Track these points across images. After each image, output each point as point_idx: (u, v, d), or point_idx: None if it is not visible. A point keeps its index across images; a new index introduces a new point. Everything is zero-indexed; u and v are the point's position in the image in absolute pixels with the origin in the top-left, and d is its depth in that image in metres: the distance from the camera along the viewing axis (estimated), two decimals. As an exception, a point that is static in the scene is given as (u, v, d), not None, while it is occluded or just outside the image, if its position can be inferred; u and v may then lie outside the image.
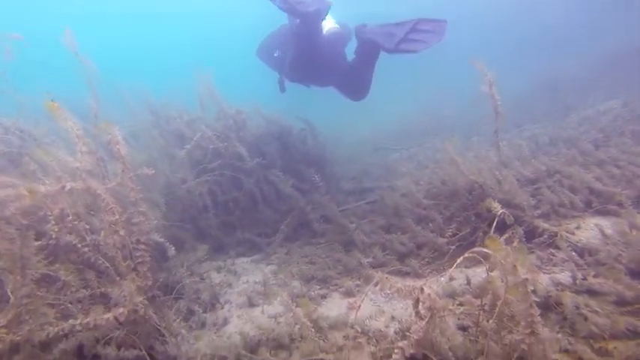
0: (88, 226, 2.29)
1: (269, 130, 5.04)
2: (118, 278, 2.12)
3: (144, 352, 2.04)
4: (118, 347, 1.95)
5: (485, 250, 1.76)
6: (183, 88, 5.08)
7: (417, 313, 1.89)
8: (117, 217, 2.08)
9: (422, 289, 1.85)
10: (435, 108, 11.59)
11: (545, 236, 2.78)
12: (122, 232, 2.07)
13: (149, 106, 4.49)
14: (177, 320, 2.68)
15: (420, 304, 1.83)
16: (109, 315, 1.83)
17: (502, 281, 1.78)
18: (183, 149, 3.92)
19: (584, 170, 3.53)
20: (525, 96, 9.11)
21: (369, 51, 4.74)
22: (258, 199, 4.41)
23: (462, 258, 1.75)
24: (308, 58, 5.07)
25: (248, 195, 4.41)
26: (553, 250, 2.71)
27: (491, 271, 1.89)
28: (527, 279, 1.59)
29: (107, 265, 2.13)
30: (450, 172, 3.61)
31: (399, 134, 9.26)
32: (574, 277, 2.32)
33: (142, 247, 2.28)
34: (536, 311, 1.59)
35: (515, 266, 1.50)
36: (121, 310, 1.86)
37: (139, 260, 2.16)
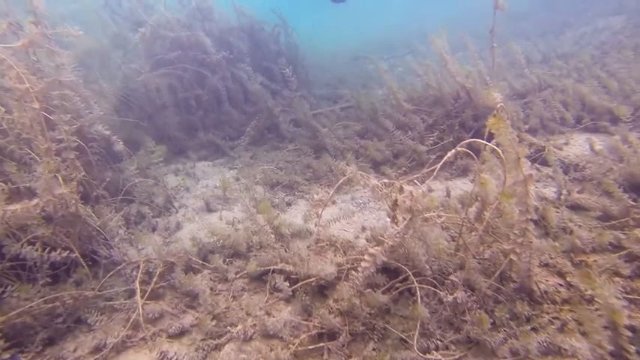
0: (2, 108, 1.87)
1: (239, 24, 4.49)
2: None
3: (77, 254, 1.75)
4: (44, 248, 1.64)
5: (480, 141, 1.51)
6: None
7: (394, 217, 1.67)
8: (27, 85, 1.67)
9: (401, 188, 1.61)
10: (418, 23, 10.98)
11: (532, 150, 2.56)
12: (36, 106, 1.67)
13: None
14: (122, 223, 2.39)
15: (398, 205, 1.60)
16: (18, 206, 1.50)
17: (498, 180, 1.55)
18: (138, 33, 3.38)
19: (579, 84, 3.27)
20: (520, 15, 8.59)
21: None
22: (223, 98, 4.00)
23: (452, 153, 1.47)
24: None
25: (212, 92, 3.99)
26: (539, 165, 2.50)
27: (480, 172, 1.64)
28: (531, 175, 1.35)
29: (27, 151, 1.77)
30: (435, 76, 3.29)
31: (379, 44, 8.73)
32: (559, 193, 2.13)
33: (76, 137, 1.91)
34: (533, 216, 1.38)
35: (519, 158, 1.24)
36: (35, 201, 1.53)
37: (64, 145, 1.80)
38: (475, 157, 1.69)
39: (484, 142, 1.40)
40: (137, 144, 3.74)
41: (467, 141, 1.51)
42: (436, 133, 2.88)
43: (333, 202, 2.62)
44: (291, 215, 2.53)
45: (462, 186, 2.55)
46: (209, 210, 2.74)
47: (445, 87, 3.09)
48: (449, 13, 12.39)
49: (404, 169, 2.78)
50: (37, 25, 1.89)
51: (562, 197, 2.13)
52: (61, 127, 1.86)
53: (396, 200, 1.58)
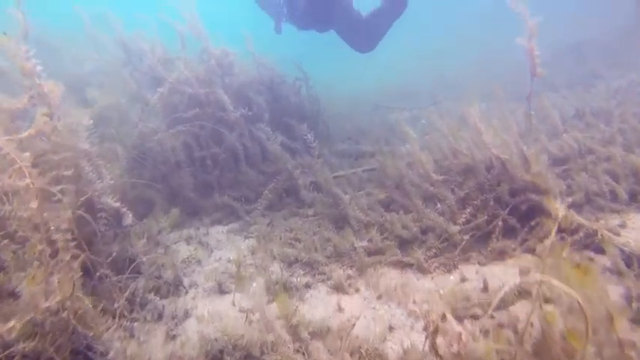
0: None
1: (259, 77, 4.39)
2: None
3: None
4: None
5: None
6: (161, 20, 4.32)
7: (434, 349, 1.41)
8: (28, 181, 1.50)
9: (444, 316, 1.35)
10: (437, 68, 10.89)
11: (582, 234, 2.27)
12: (34, 205, 1.50)
13: (119, 38, 3.78)
14: (126, 307, 2.18)
15: (438, 335, 1.35)
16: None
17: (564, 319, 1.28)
18: (156, 93, 3.27)
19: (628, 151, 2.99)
20: (544, 63, 8.40)
21: (397, 6, 4.54)
22: (240, 157, 3.84)
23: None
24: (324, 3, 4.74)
25: (229, 152, 3.84)
26: (592, 254, 2.21)
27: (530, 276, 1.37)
28: (613, 315, 1.09)
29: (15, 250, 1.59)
30: (465, 142, 3.06)
31: (399, 93, 8.59)
32: (628, 297, 1.83)
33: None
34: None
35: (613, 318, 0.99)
36: (11, 323, 1.32)
37: (62, 245, 1.61)
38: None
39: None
40: (149, 204, 3.60)
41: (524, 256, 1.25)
42: (469, 210, 2.63)
43: (357, 290, 2.36)
44: (311, 305, 2.28)
45: (499, 274, 2.28)
46: (221, 291, 2.51)
47: (477, 154, 2.86)
48: (469, 57, 12.34)
49: (434, 250, 2.52)
50: (50, 117, 1.75)
51: (633, 304, 1.80)
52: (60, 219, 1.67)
53: (436, 329, 1.32)
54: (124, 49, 3.70)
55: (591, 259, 2.14)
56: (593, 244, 2.25)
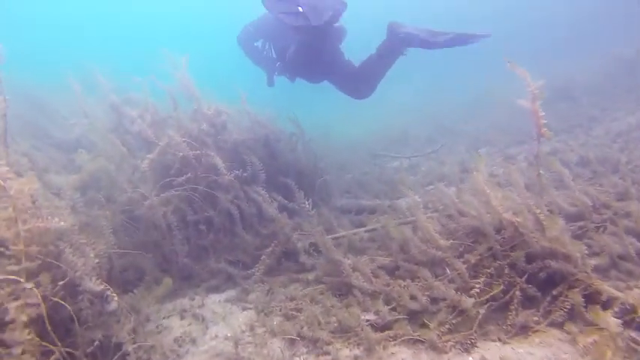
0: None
1: (254, 134, 4.28)
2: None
3: None
4: None
5: None
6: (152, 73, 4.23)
7: None
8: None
9: None
10: (434, 109, 10.93)
11: (617, 310, 2.05)
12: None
13: (109, 101, 3.68)
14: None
15: None
16: None
17: None
18: (145, 159, 3.13)
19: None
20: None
21: (397, 49, 4.50)
22: (236, 220, 3.66)
23: None
24: (312, 54, 4.82)
25: (224, 214, 3.66)
26: (634, 335, 1.98)
27: None
28: None
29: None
30: (471, 204, 2.90)
31: (395, 137, 8.54)
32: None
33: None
34: None
35: None
36: None
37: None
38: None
39: None
40: (140, 272, 3.39)
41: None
42: (482, 279, 2.43)
43: (368, 376, 2.13)
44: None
45: (523, 355, 2.05)
46: (216, 381, 2.27)
47: (485, 216, 2.69)
48: (465, 97, 12.44)
49: (447, 326, 2.31)
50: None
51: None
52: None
53: None
54: (114, 112, 3.60)
55: (635, 341, 1.92)
56: (635, 322, 2.02)
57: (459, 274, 2.50)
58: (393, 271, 2.98)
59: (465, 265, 2.52)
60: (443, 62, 13.46)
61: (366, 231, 3.71)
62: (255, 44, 6.01)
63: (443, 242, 2.66)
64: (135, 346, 2.35)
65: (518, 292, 2.32)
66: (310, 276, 3.31)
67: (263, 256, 3.43)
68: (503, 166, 4.84)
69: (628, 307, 2.01)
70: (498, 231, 2.60)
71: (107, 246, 2.75)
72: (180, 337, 2.73)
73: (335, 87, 5.26)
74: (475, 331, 2.24)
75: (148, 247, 3.43)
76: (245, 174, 3.64)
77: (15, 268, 1.76)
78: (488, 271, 2.44)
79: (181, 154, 3.39)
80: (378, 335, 2.39)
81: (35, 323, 1.85)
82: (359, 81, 4.98)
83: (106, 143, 3.38)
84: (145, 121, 3.37)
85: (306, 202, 3.00)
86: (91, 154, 3.73)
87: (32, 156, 3.72)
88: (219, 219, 3.65)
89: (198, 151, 3.45)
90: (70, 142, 3.89)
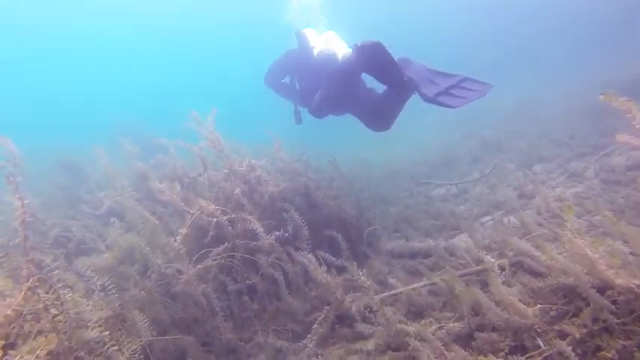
0: None
1: (292, 185, 3.98)
2: None
3: None
4: None
5: None
6: (180, 132, 4.05)
7: None
8: None
9: None
10: (473, 124, 10.41)
11: None
12: None
13: (137, 170, 3.48)
14: None
15: None
16: None
17: None
18: (178, 235, 2.86)
19: None
20: (557, 119, 7.84)
21: (405, 91, 4.19)
22: (281, 286, 3.33)
23: None
24: (340, 96, 4.58)
25: (267, 280, 3.34)
26: None
27: None
28: None
29: None
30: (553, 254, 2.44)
31: (436, 160, 8.05)
32: None
33: None
34: None
35: None
36: None
37: None
38: None
39: None
40: (181, 353, 3.11)
41: None
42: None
43: None
44: None
45: None
46: None
47: (583, 276, 2.23)
48: (500, 108, 11.90)
49: None
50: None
51: None
52: None
53: None
54: (143, 181, 3.40)
55: None
56: None
57: (560, 353, 2.04)
58: (467, 341, 2.55)
59: (570, 345, 2.04)
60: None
61: (423, 285, 3.29)
62: (283, 80, 5.84)
63: (530, 311, 2.22)
64: None
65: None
66: (369, 344, 2.91)
67: (315, 325, 3.07)
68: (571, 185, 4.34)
69: None
70: (602, 291, 2.14)
71: (144, 341, 2.47)
72: None
73: (357, 118, 5.04)
74: None
75: (188, 325, 3.15)
76: (286, 234, 3.31)
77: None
78: (609, 356, 1.96)
79: (215, 219, 3.11)
80: None
81: None
82: (376, 116, 4.80)
83: (135, 216, 3.15)
84: (174, 190, 3.13)
85: (362, 275, 2.59)
86: (123, 227, 3.54)
87: (61, 240, 3.56)
88: (262, 285, 3.34)
89: (233, 215, 3.15)
90: (98, 218, 3.72)
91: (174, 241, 2.74)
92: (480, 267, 3.12)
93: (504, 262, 2.94)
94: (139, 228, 3.25)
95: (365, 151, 9.70)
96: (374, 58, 3.82)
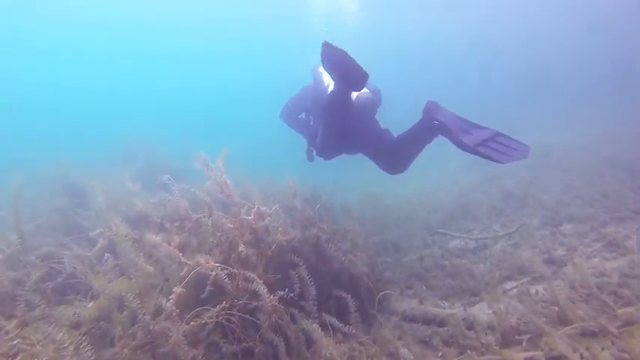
0: None
1: (302, 235, 3.66)
2: None
3: None
4: None
5: None
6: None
7: None
8: None
9: None
10: (492, 169, 10.03)
11: None
12: None
13: (135, 209, 3.20)
14: None
15: None
16: None
17: None
18: (171, 295, 2.55)
19: None
20: (583, 170, 7.47)
21: (430, 132, 4.10)
22: (281, 350, 2.98)
23: None
24: (340, 134, 4.54)
25: (267, 344, 3.00)
26: None
27: None
28: None
29: None
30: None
31: (452, 207, 7.66)
32: None
33: None
34: None
35: None
36: None
37: None
38: None
39: None
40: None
41: None
42: None
43: None
44: None
45: None
46: None
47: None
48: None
49: None
50: None
51: None
52: None
53: None
54: (142, 221, 3.11)
55: None
56: None
57: None
58: None
59: None
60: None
61: None
62: (300, 116, 5.86)
63: None
64: None
65: None
66: None
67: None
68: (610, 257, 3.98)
69: None
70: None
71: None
72: None
73: (369, 158, 4.94)
74: None
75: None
76: (292, 294, 2.99)
77: None
78: None
79: (213, 273, 2.79)
80: None
81: None
82: (391, 157, 4.65)
83: (128, 261, 2.85)
84: (172, 240, 2.82)
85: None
86: (116, 268, 3.25)
87: (50, 272, 3.27)
88: (260, 348, 2.99)
89: (234, 270, 2.84)
90: (89, 259, 3.44)
91: (167, 301, 2.42)
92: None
93: (538, 355, 2.57)
94: (130, 274, 2.94)
95: (375, 185, 9.38)
96: (325, 55, 3.58)
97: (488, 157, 3.43)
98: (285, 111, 5.81)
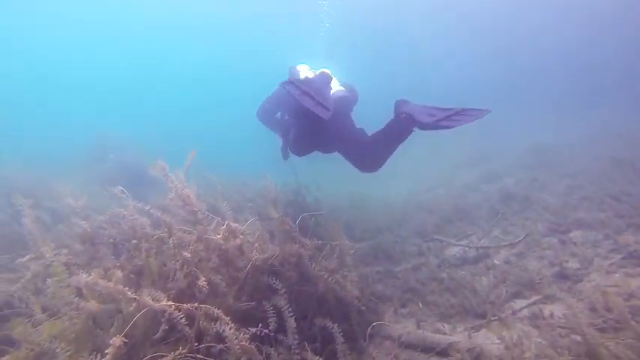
0: None
1: (282, 253, 3.14)
2: None
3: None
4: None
5: None
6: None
7: None
8: None
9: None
10: (489, 168, 9.60)
11: None
12: None
13: (80, 232, 2.65)
14: None
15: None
16: None
17: None
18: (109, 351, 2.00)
19: None
20: (586, 169, 7.06)
21: (402, 129, 4.11)
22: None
23: None
24: (312, 132, 4.62)
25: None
26: None
27: None
28: None
29: None
30: None
31: (448, 209, 7.15)
32: None
33: None
34: None
35: None
36: None
37: None
38: None
39: None
40: None
41: None
42: None
43: None
44: None
45: None
46: None
47: None
48: (516, 145, 11.25)
49: None
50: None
51: None
52: None
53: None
54: (89, 245, 2.57)
55: None
56: None
57: None
58: None
59: None
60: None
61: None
62: (276, 116, 5.82)
63: None
64: None
65: None
66: None
67: None
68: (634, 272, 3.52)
69: None
70: None
71: None
72: None
73: (344, 157, 4.93)
74: None
75: None
76: (267, 330, 2.48)
77: None
78: None
79: (168, 312, 2.26)
80: None
81: None
82: (365, 156, 4.64)
83: (62, 301, 2.32)
84: (115, 277, 2.27)
85: None
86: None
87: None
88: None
89: (195, 306, 2.31)
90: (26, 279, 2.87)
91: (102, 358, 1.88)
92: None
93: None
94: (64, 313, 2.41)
95: (365, 184, 8.89)
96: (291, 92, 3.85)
97: (441, 127, 3.58)
98: (261, 109, 5.77)
